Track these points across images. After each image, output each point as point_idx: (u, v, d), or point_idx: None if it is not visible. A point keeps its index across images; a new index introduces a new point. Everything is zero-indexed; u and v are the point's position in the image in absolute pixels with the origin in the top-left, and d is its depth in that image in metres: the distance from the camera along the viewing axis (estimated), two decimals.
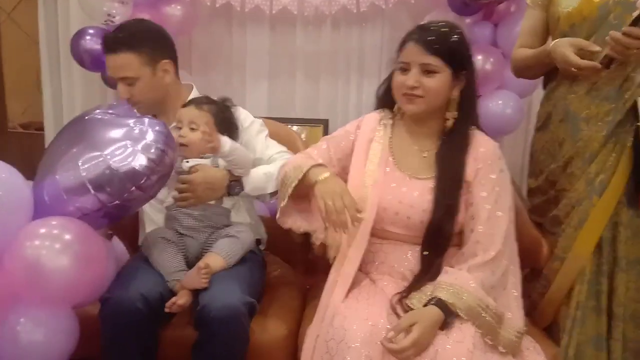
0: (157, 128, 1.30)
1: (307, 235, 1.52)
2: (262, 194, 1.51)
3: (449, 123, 1.30)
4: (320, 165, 1.31)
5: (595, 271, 1.39)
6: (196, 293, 1.31)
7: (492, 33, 2.19)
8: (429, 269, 1.25)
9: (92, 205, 1.21)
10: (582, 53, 1.32)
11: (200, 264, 1.30)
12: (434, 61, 1.24)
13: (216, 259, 1.35)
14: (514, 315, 1.22)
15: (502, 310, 1.19)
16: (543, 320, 1.46)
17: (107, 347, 1.28)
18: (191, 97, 1.60)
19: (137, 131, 1.28)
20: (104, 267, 1.28)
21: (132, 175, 1.21)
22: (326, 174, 1.27)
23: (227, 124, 1.50)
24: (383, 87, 1.41)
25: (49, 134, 2.78)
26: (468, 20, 2.21)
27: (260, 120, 1.63)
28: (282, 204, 1.32)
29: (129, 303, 1.24)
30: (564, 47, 1.35)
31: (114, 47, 1.47)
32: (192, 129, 1.44)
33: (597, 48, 1.31)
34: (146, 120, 1.33)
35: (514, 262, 1.28)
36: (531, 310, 1.48)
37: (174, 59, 1.59)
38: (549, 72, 1.51)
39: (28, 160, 2.90)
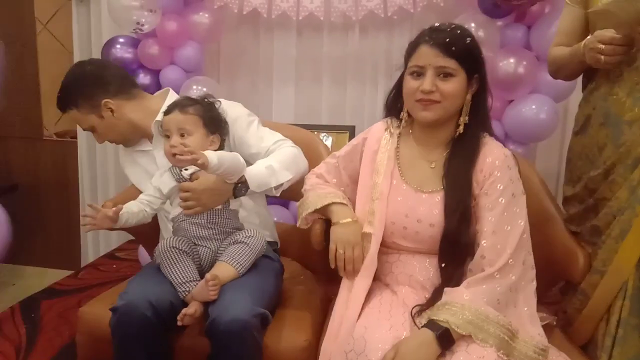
0: None
1: (328, 242, 1.49)
2: (267, 189, 1.45)
3: (461, 129, 1.23)
4: (342, 204, 1.33)
5: (638, 286, 1.29)
6: (206, 304, 1.28)
7: (525, 35, 2.11)
8: (449, 281, 1.18)
9: None
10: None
11: (208, 276, 1.26)
12: (450, 64, 1.18)
13: (226, 268, 1.31)
14: (531, 332, 1.13)
15: (514, 325, 1.10)
16: (580, 337, 1.37)
17: (118, 355, 1.26)
18: (167, 101, 1.56)
19: None
20: None
21: None
22: (348, 219, 1.29)
23: (216, 123, 1.45)
24: (392, 95, 1.35)
25: (82, 142, 2.85)
26: (500, 22, 2.13)
27: (246, 110, 1.58)
28: (299, 223, 1.40)
29: (138, 312, 1.22)
30: (591, 38, 1.29)
31: (59, 108, 1.57)
32: (182, 135, 1.38)
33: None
34: None
35: (526, 278, 1.18)
36: (567, 326, 1.38)
37: (115, 90, 1.57)
38: (588, 72, 1.43)
39: (61, 167, 3.01)
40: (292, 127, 1.84)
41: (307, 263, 1.75)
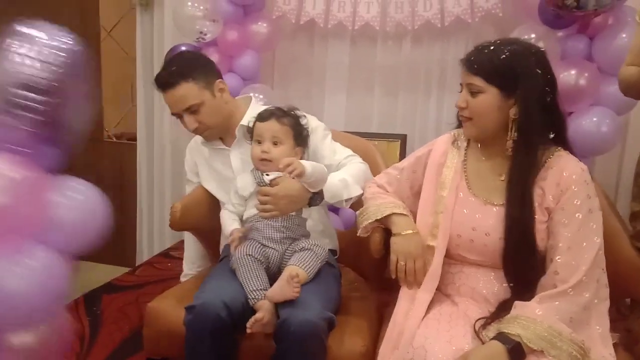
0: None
1: (387, 250, 1.51)
2: (338, 201, 1.49)
3: (508, 144, 1.23)
4: (403, 214, 1.34)
5: None
6: (276, 307, 1.31)
7: (588, 47, 2.07)
8: (516, 299, 1.17)
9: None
10: None
11: (290, 273, 1.29)
12: (476, 81, 1.21)
13: (299, 270, 1.35)
14: (602, 352, 1.11)
15: (586, 344, 1.09)
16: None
17: (189, 352, 1.31)
18: (252, 108, 1.63)
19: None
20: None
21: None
22: (409, 231, 1.30)
23: (302, 135, 1.52)
24: None
25: (142, 145, 2.97)
26: (561, 33, 2.10)
27: (323, 124, 1.63)
28: (359, 232, 1.42)
29: (213, 311, 1.26)
30: None
31: (171, 82, 1.51)
32: (275, 144, 1.45)
33: None
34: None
35: (599, 297, 1.16)
36: (632, 345, 1.35)
37: (220, 76, 1.62)
38: None
39: (120, 168, 3.14)
40: (348, 135, 1.87)
41: (360, 270, 1.78)
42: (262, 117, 1.49)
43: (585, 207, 1.18)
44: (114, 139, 3.27)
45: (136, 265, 2.88)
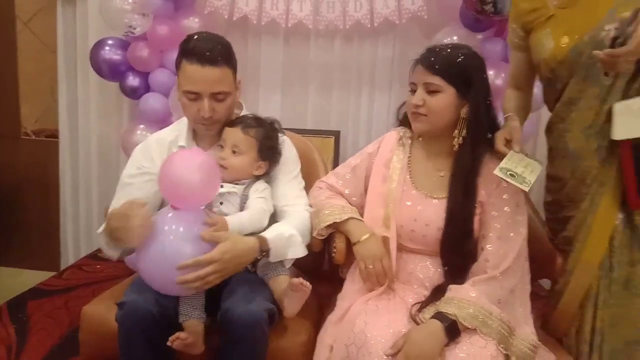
0: None
1: (325, 245, 1.57)
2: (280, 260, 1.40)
3: (456, 142, 1.33)
4: (357, 219, 1.39)
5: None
6: (217, 301, 1.32)
7: (504, 49, 2.23)
8: (451, 282, 1.28)
9: None
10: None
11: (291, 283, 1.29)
12: (435, 80, 1.30)
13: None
14: (525, 330, 1.24)
15: (512, 323, 1.21)
16: (557, 332, 1.49)
17: (123, 349, 1.30)
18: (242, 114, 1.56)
19: None
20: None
21: None
22: (366, 235, 1.35)
23: (270, 151, 1.47)
24: (404, 108, 1.46)
25: (64, 142, 2.83)
26: (480, 36, 2.25)
27: (298, 159, 1.58)
28: (315, 233, 1.44)
29: (143, 306, 1.26)
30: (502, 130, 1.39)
31: (214, 60, 1.38)
32: (234, 152, 1.42)
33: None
34: None
35: (523, 282, 1.30)
36: (545, 324, 1.50)
37: None
38: (548, 105, 1.53)
39: (40, 167, 2.97)
40: (288, 132, 1.90)
41: (299, 264, 1.81)
42: (232, 123, 1.46)
43: (513, 201, 1.31)
44: (33, 136, 3.08)
45: (62, 268, 2.75)
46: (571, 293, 1.43)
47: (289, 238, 1.38)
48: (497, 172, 1.28)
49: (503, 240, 1.28)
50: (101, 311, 1.43)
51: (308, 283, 1.28)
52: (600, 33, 1.30)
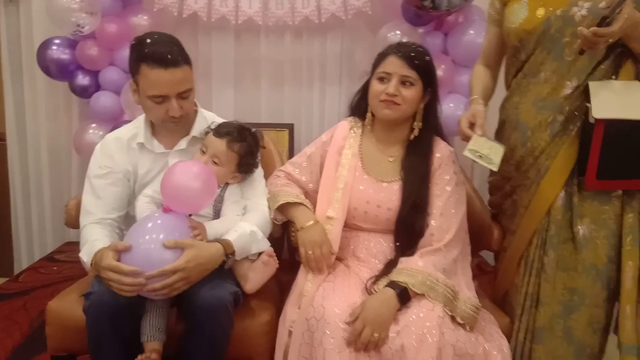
0: None
1: (284, 231, 1.65)
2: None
3: (416, 132, 1.48)
4: (303, 205, 1.48)
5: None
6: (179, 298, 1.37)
7: (443, 42, 2.39)
8: (400, 256, 1.40)
9: None
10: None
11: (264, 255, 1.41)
12: (412, 74, 1.42)
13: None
14: (468, 294, 1.37)
15: (456, 288, 1.33)
16: (499, 292, 1.63)
17: (92, 339, 1.34)
18: (199, 120, 1.57)
19: None
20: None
21: None
22: (310, 222, 1.44)
23: (248, 167, 1.53)
24: (357, 97, 1.57)
25: (12, 143, 2.77)
26: (421, 30, 2.39)
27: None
28: (271, 215, 1.52)
29: (110, 296, 1.29)
30: (466, 113, 1.50)
31: (176, 62, 1.41)
32: (214, 162, 1.46)
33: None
34: None
35: (464, 253, 1.44)
36: (494, 290, 1.64)
37: None
38: (507, 78, 1.63)
39: None
40: None
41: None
42: (218, 133, 1.48)
43: (453, 181, 1.46)
44: None
45: (16, 272, 2.70)
46: (513, 249, 1.56)
47: (251, 235, 1.45)
48: (466, 153, 1.39)
49: (445, 216, 1.42)
50: (67, 305, 1.45)
51: (277, 260, 1.38)
52: (573, 9, 1.39)
